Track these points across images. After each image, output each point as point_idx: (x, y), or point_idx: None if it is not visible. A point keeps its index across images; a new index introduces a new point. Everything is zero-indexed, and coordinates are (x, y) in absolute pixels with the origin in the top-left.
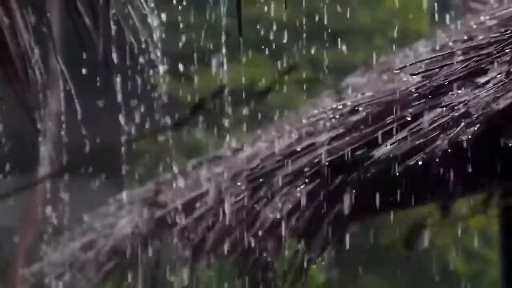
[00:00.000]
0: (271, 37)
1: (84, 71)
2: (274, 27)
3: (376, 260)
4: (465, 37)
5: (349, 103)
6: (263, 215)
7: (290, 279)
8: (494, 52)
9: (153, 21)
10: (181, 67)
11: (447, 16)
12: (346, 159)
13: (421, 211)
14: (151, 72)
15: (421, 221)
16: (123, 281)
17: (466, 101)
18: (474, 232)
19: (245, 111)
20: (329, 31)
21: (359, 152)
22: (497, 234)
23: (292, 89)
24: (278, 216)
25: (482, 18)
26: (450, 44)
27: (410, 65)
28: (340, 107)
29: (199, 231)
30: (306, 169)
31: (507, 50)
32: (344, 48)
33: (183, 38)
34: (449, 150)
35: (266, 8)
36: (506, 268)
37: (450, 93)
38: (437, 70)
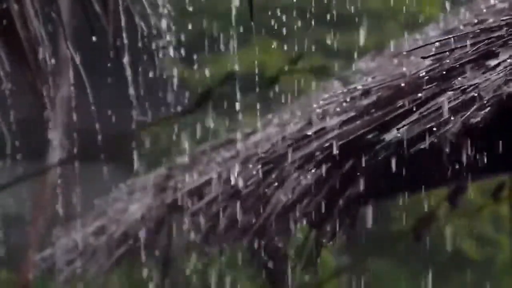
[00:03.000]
0: (281, 22)
1: (94, 57)
2: (284, 12)
3: (387, 245)
4: (476, 20)
5: (359, 87)
6: (274, 200)
7: (302, 263)
8: (505, 35)
9: (163, 6)
10: (191, 53)
11: None
12: (357, 143)
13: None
14: (161, 58)
15: (429, 213)
16: (134, 266)
17: (477, 84)
18: (485, 217)
19: (255, 96)
20: (339, 15)
21: (370, 136)
22: (508, 219)
23: (302, 74)
24: (289, 200)
25: (492, 1)
26: (461, 27)
27: (421, 47)
28: (350, 91)
29: (210, 216)
30: (317, 153)
31: None
32: (354, 32)
33: (194, 23)
34: (461, 134)
35: None
36: None
37: (461, 76)
38: (447, 53)
